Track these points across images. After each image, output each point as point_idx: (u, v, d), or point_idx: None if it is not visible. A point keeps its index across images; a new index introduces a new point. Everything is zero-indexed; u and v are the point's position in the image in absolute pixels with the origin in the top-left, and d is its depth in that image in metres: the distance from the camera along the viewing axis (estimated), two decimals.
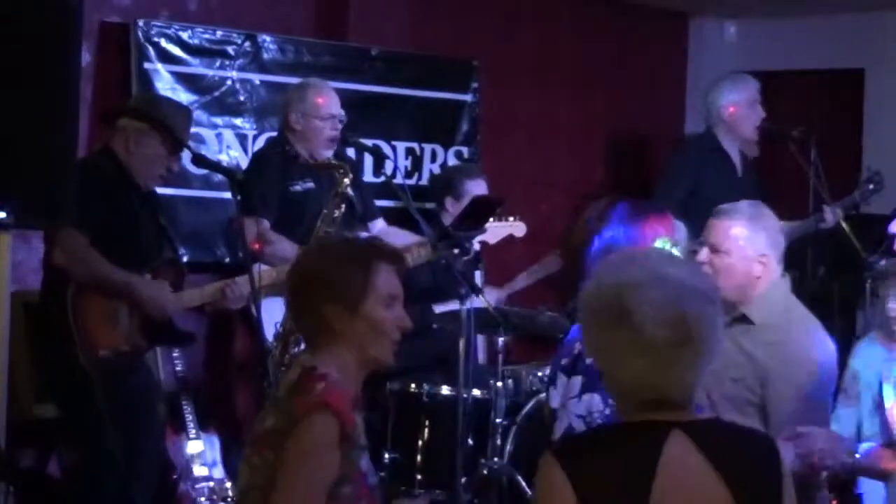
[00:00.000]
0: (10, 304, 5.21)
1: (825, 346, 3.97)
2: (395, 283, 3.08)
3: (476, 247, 5.92)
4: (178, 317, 5.14)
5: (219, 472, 5.68)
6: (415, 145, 7.01)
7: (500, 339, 5.68)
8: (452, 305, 5.66)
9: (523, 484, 5.49)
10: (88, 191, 4.41)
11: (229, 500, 5.61)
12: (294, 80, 6.13)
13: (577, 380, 3.84)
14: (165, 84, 6.09)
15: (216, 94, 6.31)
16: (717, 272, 3.91)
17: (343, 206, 5.44)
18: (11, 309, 5.21)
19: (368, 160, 6.63)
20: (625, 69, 8.14)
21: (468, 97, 7.19)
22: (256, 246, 5.26)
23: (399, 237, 5.80)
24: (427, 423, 5.69)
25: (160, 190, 5.29)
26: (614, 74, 8.08)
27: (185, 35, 6.20)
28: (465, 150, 7.17)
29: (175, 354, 5.68)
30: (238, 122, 6.39)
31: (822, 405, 3.90)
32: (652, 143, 8.28)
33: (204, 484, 5.63)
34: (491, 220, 5.97)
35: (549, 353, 6.52)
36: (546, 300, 6.70)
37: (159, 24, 6.15)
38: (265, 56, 6.46)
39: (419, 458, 5.66)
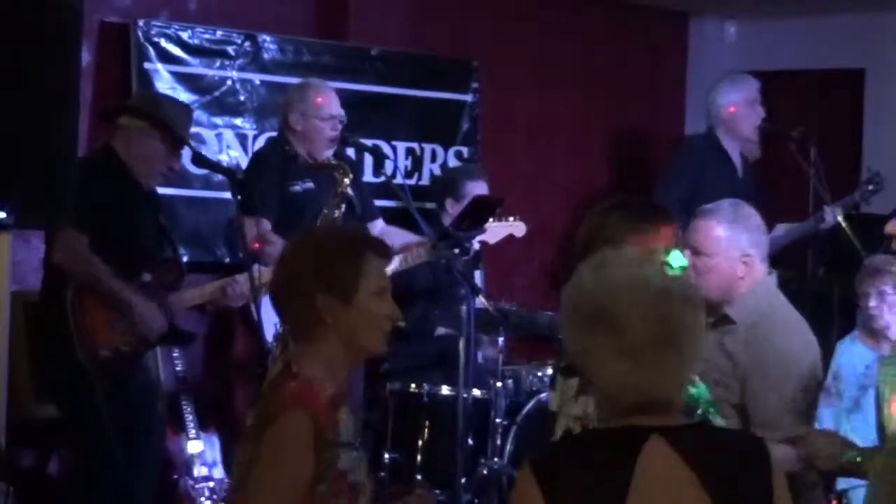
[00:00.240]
0: (10, 304, 5.21)
1: (808, 345, 3.95)
2: (385, 275, 3.06)
3: (476, 246, 5.93)
4: (179, 316, 5.14)
5: (219, 472, 5.69)
6: (415, 145, 7.01)
7: (500, 339, 5.69)
8: (451, 329, 5.64)
9: None
10: (88, 189, 4.41)
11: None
12: (294, 80, 6.13)
13: (574, 382, 3.84)
14: (165, 84, 6.09)
15: (216, 94, 6.31)
16: (700, 274, 3.88)
17: (343, 206, 5.44)
18: (11, 309, 5.21)
19: (368, 160, 6.62)
20: (625, 69, 8.14)
21: (468, 97, 7.19)
22: (256, 246, 5.27)
23: (398, 237, 5.80)
24: (427, 423, 5.70)
25: (160, 190, 5.29)
26: (614, 74, 8.08)
27: (185, 35, 6.20)
28: (465, 150, 7.17)
29: (175, 354, 5.68)
30: (238, 122, 6.39)
31: (804, 404, 3.88)
32: (652, 143, 8.28)
33: (204, 484, 5.63)
34: (491, 220, 5.98)
35: (548, 354, 6.53)
36: (546, 300, 6.70)
37: (159, 24, 6.15)
38: (265, 56, 6.46)
39: (419, 458, 5.67)
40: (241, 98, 6.39)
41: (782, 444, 3.47)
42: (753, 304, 3.97)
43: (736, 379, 3.88)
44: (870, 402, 4.30)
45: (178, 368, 5.70)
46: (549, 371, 6.02)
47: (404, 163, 6.94)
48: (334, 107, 5.77)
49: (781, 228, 6.46)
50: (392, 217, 6.28)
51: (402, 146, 6.95)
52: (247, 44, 6.41)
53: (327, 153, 5.74)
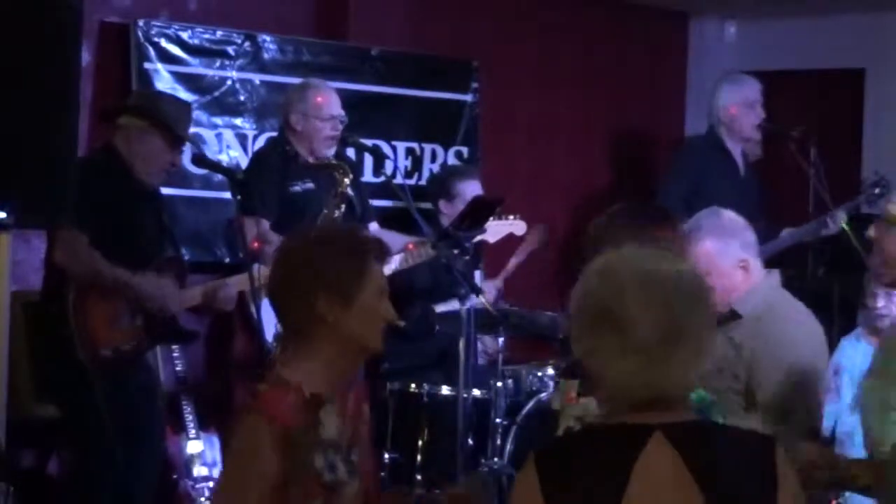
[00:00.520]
0: (10, 304, 5.21)
1: (814, 335, 3.97)
2: (384, 276, 3.08)
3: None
4: (180, 315, 5.14)
5: (218, 472, 5.68)
6: (415, 145, 7.01)
7: (500, 339, 5.69)
8: (453, 305, 5.66)
9: None
10: (89, 189, 4.41)
11: None
12: (294, 80, 6.13)
13: (575, 383, 3.85)
14: (165, 84, 6.09)
15: (216, 94, 6.31)
16: None
17: (343, 206, 5.44)
18: (11, 309, 5.21)
19: (368, 160, 6.63)
20: (625, 69, 8.14)
21: (468, 97, 7.19)
22: (256, 246, 5.27)
23: (391, 240, 5.80)
24: (427, 423, 5.70)
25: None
26: (614, 74, 8.08)
27: (185, 35, 6.20)
28: (465, 150, 7.17)
29: (175, 354, 5.69)
30: (238, 122, 6.39)
31: (809, 392, 3.89)
32: (652, 143, 8.28)
33: (204, 484, 5.63)
34: (491, 219, 5.98)
35: (548, 354, 6.53)
36: (546, 300, 6.70)
37: (159, 24, 6.15)
38: (265, 56, 6.46)
39: (419, 458, 5.67)
40: (241, 98, 6.39)
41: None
42: (759, 299, 3.99)
43: (742, 367, 3.90)
44: None
45: (178, 368, 5.70)
46: (550, 371, 6.02)
47: (404, 163, 6.94)
48: (334, 107, 5.77)
49: (786, 233, 6.47)
50: (392, 217, 6.28)
51: (402, 146, 6.95)
52: (247, 44, 6.41)
53: (327, 153, 5.74)
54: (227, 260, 6.19)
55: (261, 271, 4.52)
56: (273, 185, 5.69)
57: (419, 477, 5.58)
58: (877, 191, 6.47)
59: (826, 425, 4.21)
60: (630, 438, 2.37)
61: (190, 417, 5.68)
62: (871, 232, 3.65)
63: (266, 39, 6.48)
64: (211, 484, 5.62)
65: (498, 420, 5.57)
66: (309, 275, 2.96)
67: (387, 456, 5.64)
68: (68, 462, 5.47)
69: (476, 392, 5.62)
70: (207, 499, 5.60)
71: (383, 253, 3.10)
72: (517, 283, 6.78)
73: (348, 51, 6.79)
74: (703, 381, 3.65)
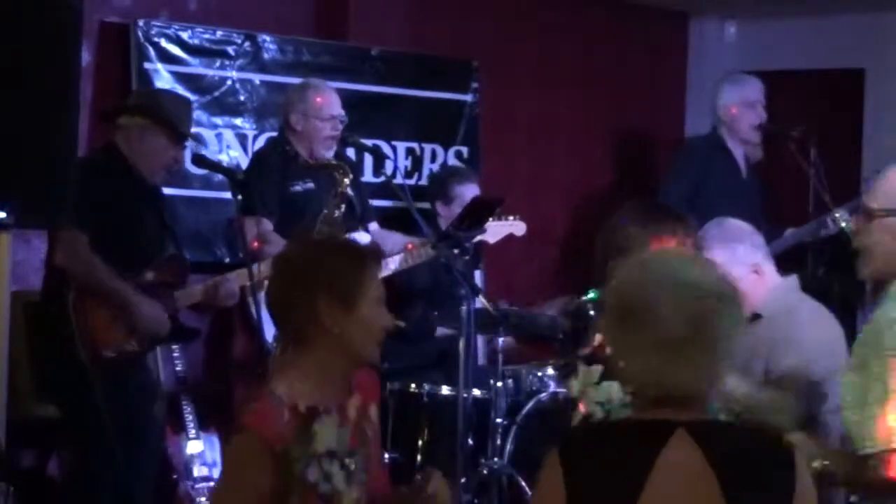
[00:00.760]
0: (10, 304, 5.21)
1: (827, 337, 3.98)
2: (381, 283, 3.11)
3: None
4: (182, 314, 5.14)
5: (218, 472, 5.68)
6: (415, 145, 7.01)
7: (500, 339, 5.69)
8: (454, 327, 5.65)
9: (523, 484, 5.50)
10: (90, 189, 4.41)
11: None
12: (294, 80, 6.13)
13: (598, 368, 3.88)
14: (165, 84, 6.09)
15: (216, 94, 6.31)
16: None
17: (343, 206, 5.44)
18: (11, 309, 5.21)
19: (368, 160, 6.63)
20: (625, 69, 8.14)
21: (468, 97, 7.19)
22: (256, 246, 5.27)
23: (392, 239, 5.81)
24: (427, 423, 5.70)
25: None
26: (614, 74, 8.08)
27: (185, 35, 6.20)
28: (465, 150, 7.16)
29: (175, 354, 5.68)
30: (238, 122, 6.39)
31: (815, 395, 3.90)
32: (652, 143, 8.28)
33: (204, 484, 5.63)
34: (491, 219, 5.98)
35: (548, 354, 6.53)
36: (546, 300, 6.70)
37: (159, 24, 6.15)
38: (265, 56, 6.46)
39: (419, 458, 5.67)
40: (241, 98, 6.39)
41: None
42: (779, 297, 4.02)
43: (760, 365, 3.91)
44: None
45: (178, 368, 5.70)
46: (550, 371, 6.02)
47: (404, 163, 6.94)
48: (335, 107, 5.77)
49: (787, 233, 6.47)
50: (392, 217, 6.28)
51: (402, 146, 6.95)
52: (247, 44, 6.41)
53: (328, 153, 5.74)
54: (227, 260, 6.19)
55: (260, 270, 4.52)
56: (273, 185, 5.69)
57: (419, 477, 5.57)
58: None
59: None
60: (653, 434, 2.43)
61: (190, 417, 5.68)
62: (852, 225, 3.66)
63: (266, 39, 6.48)
64: (211, 484, 5.62)
65: (498, 420, 5.57)
66: (312, 281, 2.98)
67: (387, 456, 5.64)
68: (68, 462, 5.46)
69: (476, 392, 5.62)
70: (207, 499, 5.60)
71: (379, 260, 3.16)
72: (517, 283, 6.79)
73: (348, 51, 6.79)
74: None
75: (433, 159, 7.07)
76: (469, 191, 6.31)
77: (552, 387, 5.93)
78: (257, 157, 5.97)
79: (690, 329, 2.42)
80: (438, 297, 6.08)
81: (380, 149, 6.56)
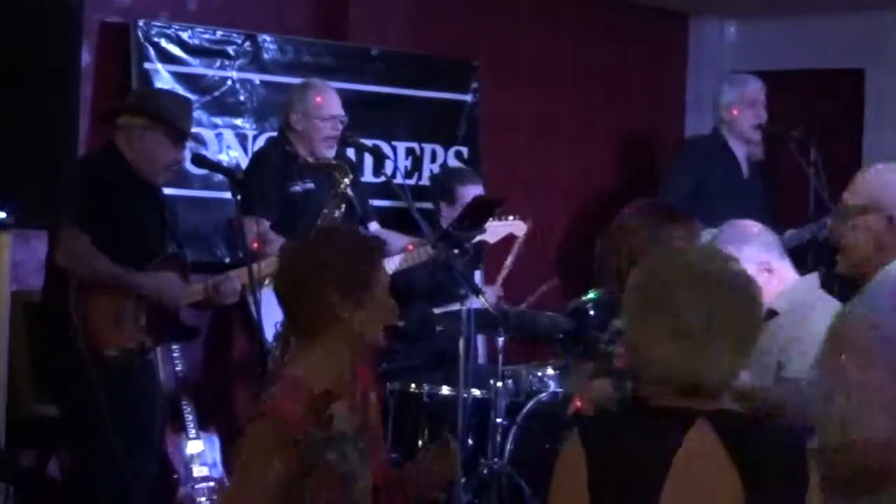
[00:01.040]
0: (10, 304, 5.21)
1: None
2: (387, 273, 3.22)
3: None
4: (182, 312, 5.14)
5: (219, 472, 5.68)
6: (415, 145, 7.01)
7: (500, 339, 5.69)
8: (453, 306, 5.66)
9: (523, 484, 5.50)
10: (90, 188, 4.41)
11: None
12: (294, 80, 6.13)
13: (590, 365, 3.89)
14: (165, 84, 6.09)
15: (216, 94, 6.31)
16: None
17: (343, 206, 5.44)
18: (11, 309, 5.21)
19: (368, 160, 6.63)
20: (625, 69, 8.14)
21: (468, 97, 7.18)
22: (256, 245, 5.27)
23: (392, 240, 5.81)
24: (427, 423, 5.70)
25: None
26: (614, 74, 8.08)
27: (185, 35, 6.20)
28: (465, 150, 7.16)
29: (175, 354, 5.68)
30: (238, 122, 6.39)
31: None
32: (652, 142, 8.28)
33: (204, 484, 5.63)
34: (491, 219, 5.98)
35: (548, 354, 6.53)
36: (546, 300, 6.69)
37: (159, 24, 6.15)
38: (265, 56, 6.46)
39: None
40: (241, 98, 6.39)
41: None
42: (797, 295, 4.05)
43: (770, 357, 3.92)
44: None
45: (178, 368, 5.69)
46: (550, 371, 6.02)
47: (404, 163, 6.93)
48: (335, 107, 5.77)
49: (788, 234, 6.47)
50: (392, 217, 6.28)
51: (402, 146, 6.95)
52: (247, 44, 6.41)
53: (327, 153, 5.74)
54: (227, 260, 6.18)
55: (261, 270, 4.52)
56: (273, 185, 5.69)
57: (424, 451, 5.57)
58: None
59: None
60: (674, 421, 2.47)
61: (190, 417, 5.68)
62: (830, 222, 3.66)
63: (266, 39, 6.48)
64: (211, 484, 5.62)
65: (498, 420, 5.57)
66: (324, 275, 3.06)
67: None
68: (68, 462, 5.46)
69: (476, 392, 5.62)
70: (208, 499, 5.60)
71: (383, 249, 3.25)
72: (517, 284, 6.78)
73: (348, 51, 6.79)
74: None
75: (433, 159, 7.07)
76: (473, 192, 6.32)
77: (552, 387, 5.94)
78: (257, 157, 5.97)
79: (709, 321, 2.46)
80: (439, 298, 6.09)
81: (380, 149, 6.56)
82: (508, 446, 5.64)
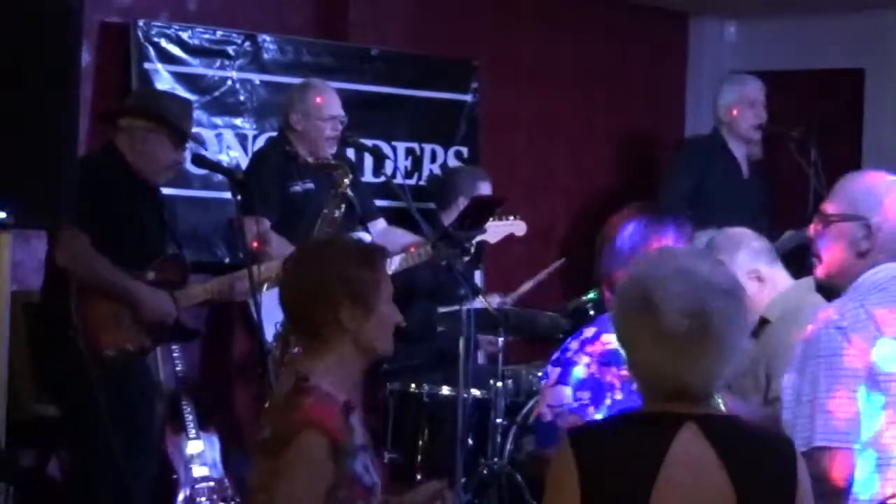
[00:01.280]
0: (11, 304, 5.21)
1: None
2: (390, 280, 3.20)
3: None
4: (181, 313, 5.13)
5: (219, 472, 5.68)
6: (415, 145, 7.01)
7: (500, 339, 5.69)
8: (456, 307, 5.66)
9: (523, 484, 5.50)
10: (90, 188, 4.41)
11: (229, 499, 5.61)
12: (294, 80, 6.13)
13: (556, 371, 3.90)
14: (165, 84, 6.09)
15: (216, 94, 6.31)
16: None
17: (343, 206, 5.44)
18: (11, 309, 5.21)
19: (368, 160, 6.63)
20: (625, 69, 8.14)
21: (468, 97, 7.18)
22: (256, 245, 5.26)
23: (400, 237, 5.81)
24: (427, 423, 5.70)
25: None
26: (614, 74, 8.08)
27: (185, 35, 6.20)
28: (464, 150, 7.16)
29: (175, 354, 5.68)
30: (238, 122, 6.39)
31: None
32: (652, 142, 8.28)
33: (204, 484, 5.63)
34: (491, 219, 5.98)
35: (548, 354, 6.52)
36: (547, 300, 6.70)
37: (159, 24, 6.15)
38: (265, 56, 6.46)
39: (419, 458, 5.67)
40: (241, 98, 6.39)
41: None
42: (789, 300, 4.02)
43: (762, 365, 3.91)
44: None
45: (178, 368, 5.69)
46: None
47: (404, 163, 6.93)
48: (335, 107, 5.77)
49: (787, 235, 6.47)
50: (392, 217, 6.28)
51: (401, 146, 6.95)
52: (247, 44, 6.41)
53: (328, 153, 5.74)
54: (227, 260, 6.19)
55: (260, 270, 4.52)
56: (273, 185, 5.69)
57: (419, 477, 5.58)
58: None
59: None
60: (663, 426, 2.47)
61: (190, 417, 5.67)
62: (810, 230, 3.65)
63: (266, 39, 6.48)
64: (211, 484, 5.62)
65: (498, 420, 5.57)
66: (334, 287, 3.05)
67: (387, 456, 5.64)
68: (68, 462, 5.46)
69: (476, 392, 5.62)
70: (207, 499, 5.60)
71: (386, 258, 3.27)
72: (517, 283, 6.78)
73: (348, 51, 6.79)
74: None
75: (433, 159, 7.07)
76: (483, 191, 6.33)
77: None
78: (257, 157, 5.97)
79: (695, 324, 2.44)
80: (440, 298, 6.08)
81: (380, 149, 6.56)
82: (508, 446, 5.64)
